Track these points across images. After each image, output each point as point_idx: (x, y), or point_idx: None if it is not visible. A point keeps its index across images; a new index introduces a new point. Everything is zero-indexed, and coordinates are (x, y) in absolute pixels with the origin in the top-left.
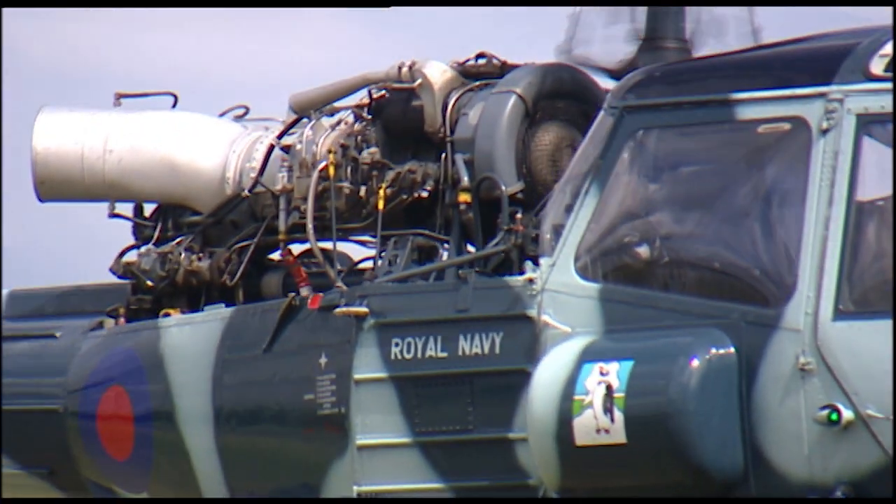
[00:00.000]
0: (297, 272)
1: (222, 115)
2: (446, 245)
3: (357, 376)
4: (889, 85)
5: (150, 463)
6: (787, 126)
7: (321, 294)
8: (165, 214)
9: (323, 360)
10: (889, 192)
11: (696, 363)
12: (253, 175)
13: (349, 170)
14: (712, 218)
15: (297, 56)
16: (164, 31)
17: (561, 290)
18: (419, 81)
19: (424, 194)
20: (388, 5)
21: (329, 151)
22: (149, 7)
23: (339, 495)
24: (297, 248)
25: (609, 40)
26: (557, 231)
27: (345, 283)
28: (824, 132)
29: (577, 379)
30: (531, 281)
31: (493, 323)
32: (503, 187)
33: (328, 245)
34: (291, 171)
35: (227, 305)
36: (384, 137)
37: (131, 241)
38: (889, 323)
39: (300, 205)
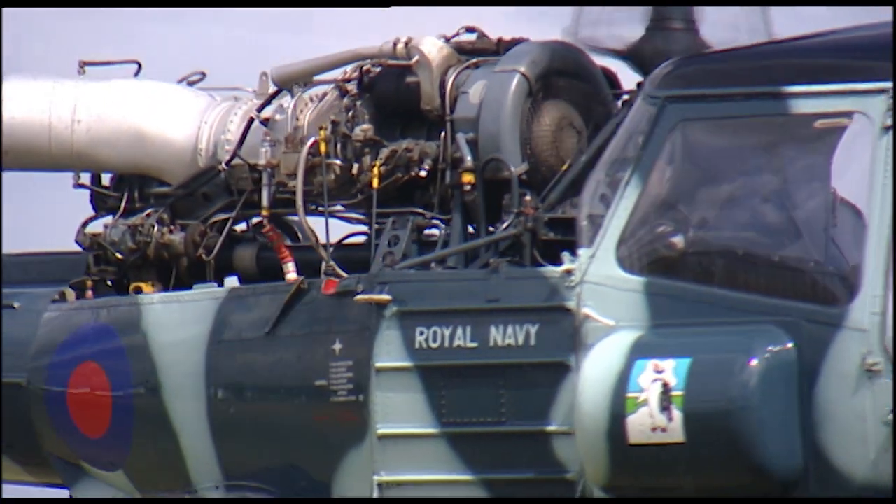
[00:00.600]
0: (280, 248)
1: (179, 82)
2: (443, 226)
3: (378, 364)
4: None
5: (128, 441)
6: (846, 121)
7: (335, 279)
8: (130, 185)
9: (337, 346)
10: None
11: (757, 361)
12: (229, 147)
13: (339, 146)
14: (765, 214)
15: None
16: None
17: (602, 282)
18: (416, 58)
19: (423, 174)
20: (388, 5)
21: (320, 128)
22: (148, 7)
23: (356, 484)
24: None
25: (616, 22)
26: (594, 221)
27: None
28: (887, 129)
29: (629, 375)
30: (569, 272)
31: (528, 314)
32: (512, 169)
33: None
34: (274, 145)
35: (219, 284)
36: (375, 114)
37: (90, 211)
38: None
39: (284, 180)
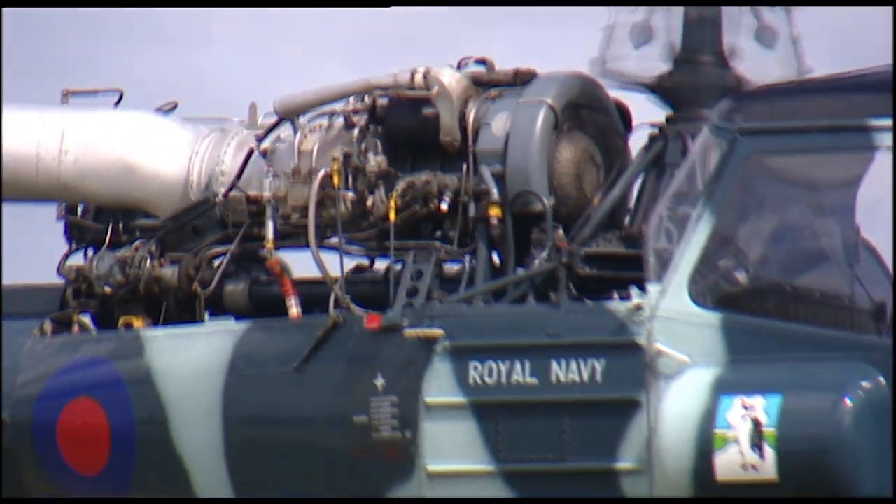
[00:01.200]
0: (283, 282)
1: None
2: (465, 259)
3: (428, 400)
4: None
5: (129, 478)
6: None
7: (377, 313)
8: (115, 217)
9: (379, 382)
10: None
11: (851, 398)
12: (224, 179)
13: (350, 178)
14: (844, 248)
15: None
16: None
17: (675, 317)
18: (436, 89)
19: (444, 206)
20: (388, 5)
21: (333, 158)
22: (146, 7)
23: None
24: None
25: (643, 55)
26: (661, 256)
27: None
28: None
29: (716, 412)
30: (639, 307)
31: (593, 349)
32: (546, 202)
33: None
34: (277, 176)
35: (236, 318)
36: (386, 145)
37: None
38: None
39: (289, 212)
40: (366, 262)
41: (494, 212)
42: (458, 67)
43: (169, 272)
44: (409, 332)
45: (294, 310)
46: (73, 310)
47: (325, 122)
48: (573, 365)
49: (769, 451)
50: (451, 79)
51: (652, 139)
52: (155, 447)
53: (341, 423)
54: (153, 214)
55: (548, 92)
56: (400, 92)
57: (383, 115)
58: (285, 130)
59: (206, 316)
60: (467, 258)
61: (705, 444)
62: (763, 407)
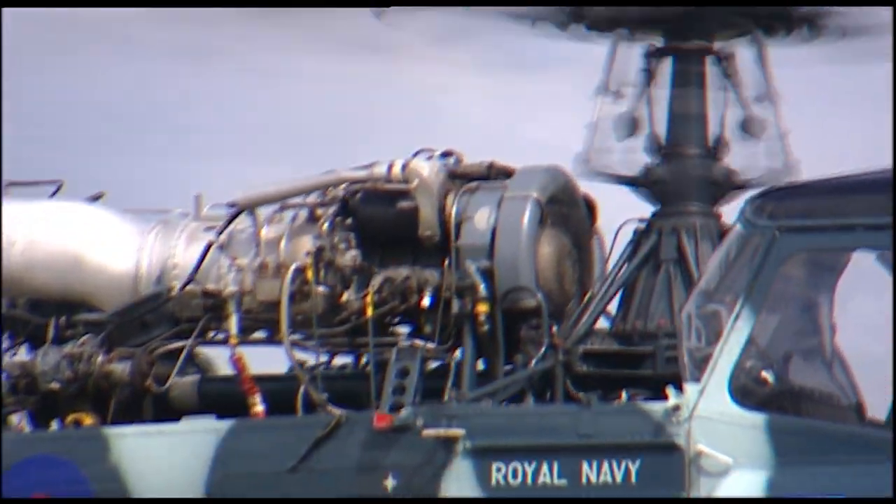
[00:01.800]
0: (246, 380)
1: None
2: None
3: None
4: None
5: None
6: None
7: (388, 413)
8: (59, 311)
9: (390, 482)
10: None
11: None
12: (177, 272)
13: (323, 272)
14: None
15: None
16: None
17: (715, 417)
18: (416, 182)
19: (426, 303)
20: (388, 5)
21: (307, 253)
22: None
23: None
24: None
25: (628, 149)
26: (694, 355)
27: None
28: None
29: None
30: (676, 408)
31: (628, 450)
32: (540, 298)
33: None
34: (240, 271)
35: (217, 417)
36: (359, 239)
37: None
38: None
39: (254, 307)
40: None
41: (483, 308)
42: (430, 157)
43: (119, 368)
44: (429, 433)
45: (258, 408)
46: (11, 408)
47: (288, 214)
48: (605, 466)
49: None
50: (430, 172)
51: (639, 234)
52: None
53: None
54: (97, 308)
55: (533, 186)
56: (378, 185)
57: (356, 209)
58: (242, 223)
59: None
60: (450, 355)
61: None
62: None
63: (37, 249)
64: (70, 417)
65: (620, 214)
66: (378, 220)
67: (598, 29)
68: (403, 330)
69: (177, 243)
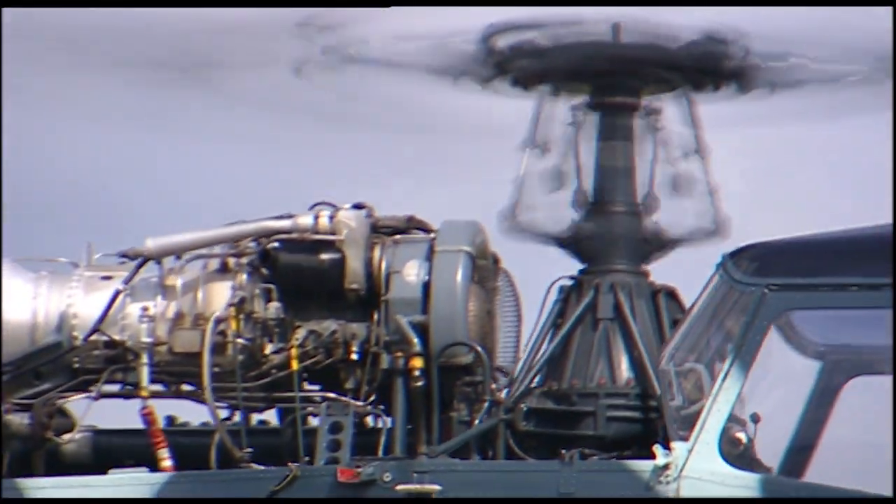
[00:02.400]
0: (156, 433)
1: None
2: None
3: None
4: None
5: None
6: None
7: (349, 468)
8: None
9: None
10: None
11: None
12: (77, 321)
13: (242, 325)
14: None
15: None
16: None
17: (706, 478)
18: (345, 234)
19: (355, 357)
20: (387, 5)
21: (230, 305)
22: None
23: None
24: None
25: (555, 205)
26: (680, 414)
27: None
28: None
29: None
30: (665, 466)
31: None
32: (484, 355)
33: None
34: (153, 320)
35: (150, 470)
36: (281, 291)
37: None
38: None
39: (166, 358)
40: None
41: (417, 363)
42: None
43: (17, 419)
44: (404, 488)
45: (167, 462)
46: None
47: (196, 264)
48: None
49: None
50: (357, 223)
51: (568, 291)
52: None
53: None
54: None
55: (463, 240)
56: (305, 236)
57: (277, 259)
58: (148, 272)
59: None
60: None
61: None
62: None
63: None
64: None
65: (544, 270)
66: (300, 272)
67: (523, 84)
68: (312, 387)
69: (74, 292)
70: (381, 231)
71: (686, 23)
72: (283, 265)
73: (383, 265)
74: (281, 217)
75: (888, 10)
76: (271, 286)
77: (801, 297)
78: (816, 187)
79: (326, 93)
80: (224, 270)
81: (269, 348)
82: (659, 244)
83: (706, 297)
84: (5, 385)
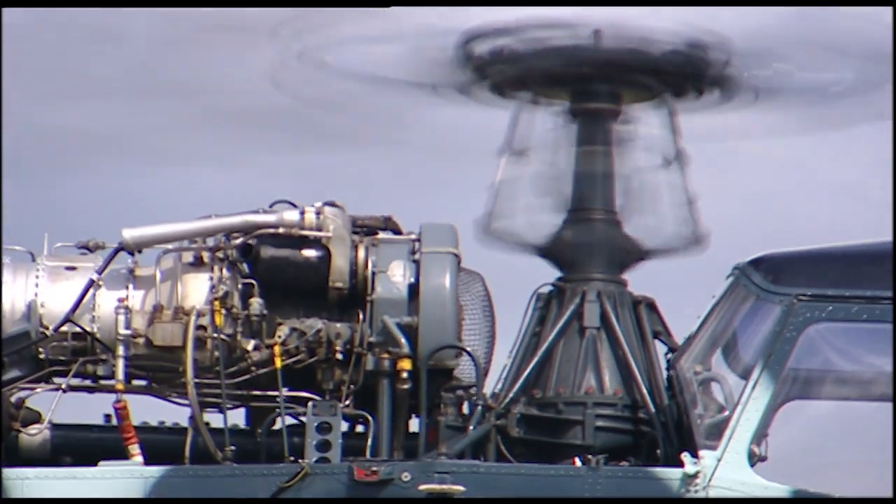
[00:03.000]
0: (127, 429)
1: None
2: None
3: None
4: None
5: None
6: None
7: (367, 467)
8: None
9: None
10: None
11: None
12: (45, 311)
13: (223, 320)
14: None
15: None
16: None
17: (735, 487)
18: (332, 231)
19: (340, 357)
20: (387, 5)
21: (214, 299)
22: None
23: None
24: None
25: (531, 212)
26: (706, 422)
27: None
28: None
29: None
30: (695, 475)
31: None
32: (478, 359)
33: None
34: (130, 312)
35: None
36: (262, 287)
37: None
38: None
39: (143, 351)
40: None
41: (405, 365)
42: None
43: None
44: (427, 488)
45: (138, 458)
46: None
47: (171, 257)
48: None
49: None
50: (344, 220)
51: (549, 297)
52: None
53: None
54: None
55: (448, 242)
56: (293, 231)
57: (259, 255)
58: (119, 263)
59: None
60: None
61: None
62: None
63: None
64: None
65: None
66: (283, 268)
67: (502, 91)
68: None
69: (38, 281)
70: (359, 230)
71: (667, 28)
72: (265, 260)
73: (369, 264)
74: (264, 211)
75: (888, 10)
76: (252, 281)
77: (831, 308)
78: (797, 199)
79: (300, 99)
80: (200, 264)
81: (249, 345)
82: (638, 253)
83: (726, 304)
84: None
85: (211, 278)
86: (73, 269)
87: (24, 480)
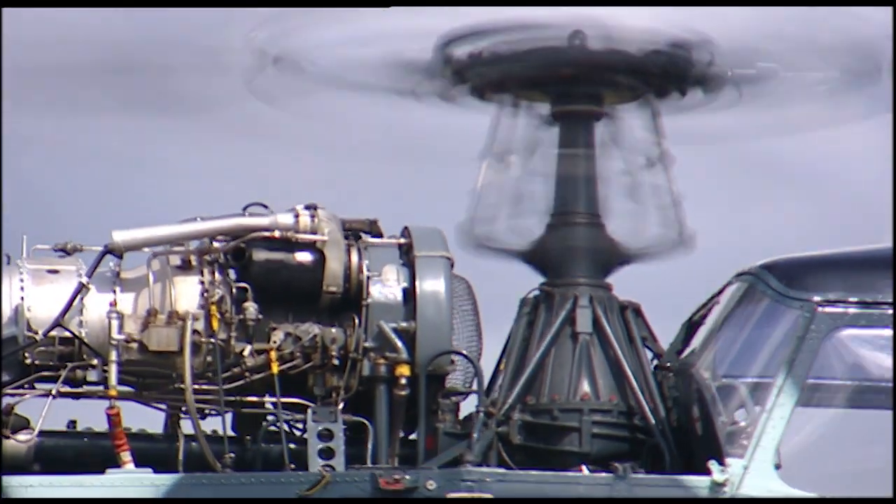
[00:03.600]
0: (119, 435)
1: None
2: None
3: None
4: None
5: None
6: None
7: (390, 476)
8: None
9: None
10: None
11: None
12: (31, 314)
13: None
14: None
15: None
16: None
17: (762, 494)
18: (328, 234)
19: (336, 362)
20: (388, 5)
21: (211, 304)
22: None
23: None
24: None
25: (514, 216)
26: (730, 430)
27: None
28: None
29: None
30: (722, 483)
31: None
32: (478, 365)
33: None
34: (122, 317)
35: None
36: (256, 291)
37: None
38: None
39: (138, 357)
40: None
41: (404, 371)
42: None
43: None
44: (456, 496)
45: (129, 465)
46: None
47: (159, 260)
48: None
49: None
50: (336, 224)
51: (537, 303)
52: None
53: None
54: None
55: (440, 246)
56: (289, 235)
57: (252, 259)
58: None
59: None
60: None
61: None
62: None
63: None
64: None
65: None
66: (277, 272)
67: (483, 94)
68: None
69: (22, 284)
70: (347, 234)
71: (649, 27)
72: (258, 264)
73: (364, 268)
74: (255, 214)
75: (888, 10)
76: (245, 285)
77: (853, 314)
78: (783, 201)
79: (274, 104)
80: (190, 267)
81: (245, 350)
82: (621, 257)
83: (742, 309)
84: None
85: (202, 282)
86: (55, 272)
87: (28, 488)
